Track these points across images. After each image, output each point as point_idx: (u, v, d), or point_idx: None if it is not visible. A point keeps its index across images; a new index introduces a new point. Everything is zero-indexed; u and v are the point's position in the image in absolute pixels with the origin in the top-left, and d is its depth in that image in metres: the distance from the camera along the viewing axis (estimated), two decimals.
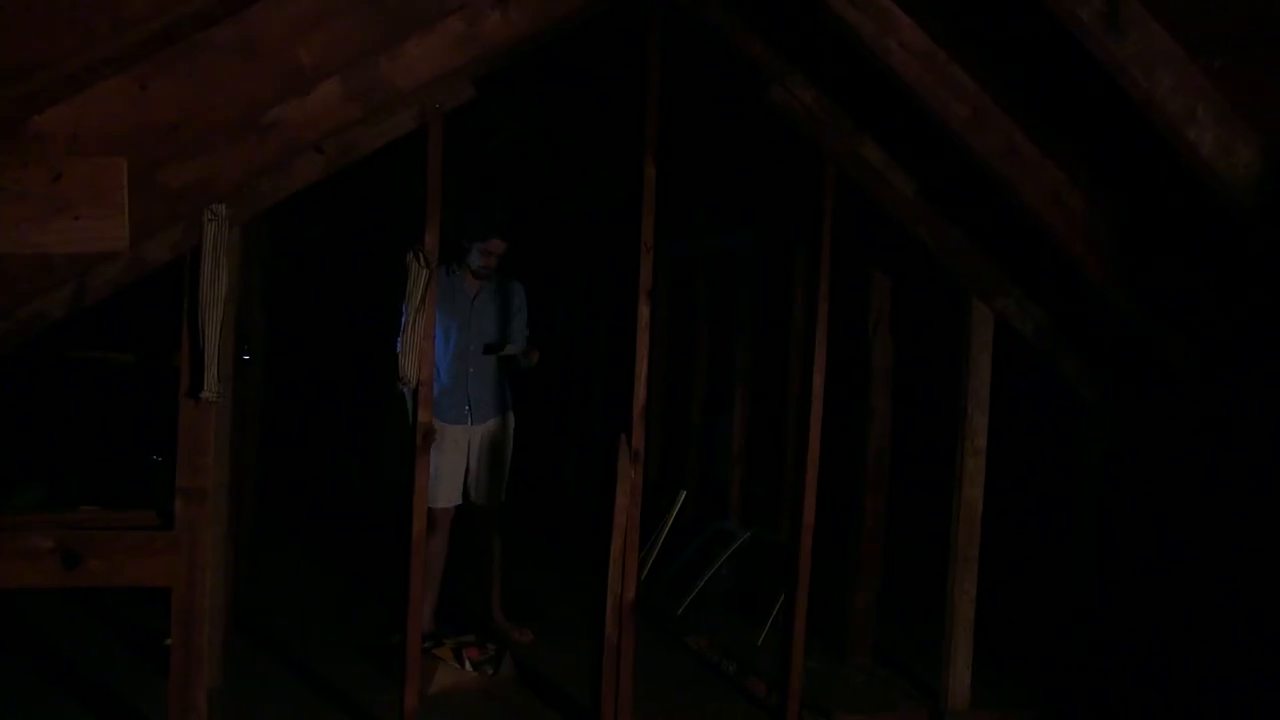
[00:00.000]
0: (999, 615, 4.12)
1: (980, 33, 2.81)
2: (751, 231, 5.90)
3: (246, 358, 4.51)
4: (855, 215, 3.80)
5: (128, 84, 1.95)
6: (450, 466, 4.37)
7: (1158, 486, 3.72)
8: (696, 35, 3.51)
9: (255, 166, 2.58)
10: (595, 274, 7.91)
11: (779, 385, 5.59)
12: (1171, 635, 3.65)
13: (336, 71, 2.41)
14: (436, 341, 3.76)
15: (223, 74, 2.06)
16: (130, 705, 3.67)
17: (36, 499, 4.83)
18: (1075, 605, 3.93)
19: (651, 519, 5.68)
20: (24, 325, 2.94)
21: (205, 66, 2.03)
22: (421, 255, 3.28)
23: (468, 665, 4.03)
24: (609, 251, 6.88)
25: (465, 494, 4.46)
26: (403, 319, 3.33)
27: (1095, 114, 2.82)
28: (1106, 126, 2.84)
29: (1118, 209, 3.03)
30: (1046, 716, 3.90)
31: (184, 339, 2.97)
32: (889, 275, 4.28)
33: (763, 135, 4.48)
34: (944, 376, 3.92)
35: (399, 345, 3.32)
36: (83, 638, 4.32)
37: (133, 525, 3.04)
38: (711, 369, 6.55)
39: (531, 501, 5.94)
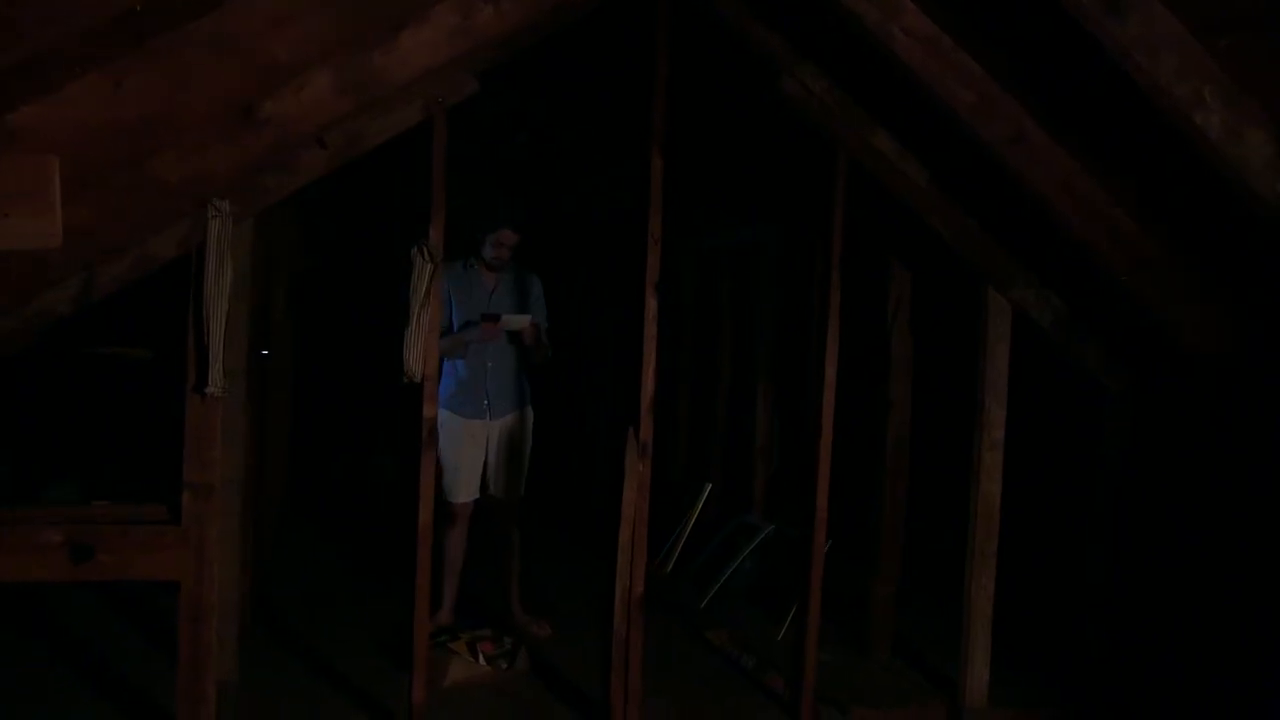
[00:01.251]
0: (1018, 609, 4.05)
1: (985, 18, 2.75)
2: (772, 225, 5.85)
3: (266, 353, 4.55)
4: (873, 206, 3.75)
5: (101, 82, 1.95)
6: (469, 461, 4.39)
7: (1175, 479, 3.64)
8: (707, 27, 3.47)
9: (251, 161, 2.58)
10: (607, 267, 7.86)
11: (801, 378, 5.54)
12: (1191, 630, 3.57)
13: (325, 66, 2.41)
14: None
15: (199, 69, 2.06)
16: (145, 694, 3.71)
17: (68, 495, 4.92)
18: (1092, 599, 3.86)
19: (677, 514, 5.67)
20: (29, 322, 2.96)
21: (181, 62, 2.03)
22: (426, 249, 3.28)
23: (481, 659, 4.04)
24: (620, 245, 6.85)
25: (484, 488, 4.47)
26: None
27: (1104, 100, 2.75)
28: (1116, 113, 2.76)
29: (1131, 197, 2.96)
30: (1065, 715, 3.83)
31: (189, 334, 2.99)
32: (908, 266, 4.23)
33: (781, 127, 4.44)
34: (964, 368, 3.87)
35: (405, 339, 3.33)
36: (97, 628, 4.37)
37: (143, 520, 3.08)
38: (736, 364, 6.51)
39: (547, 492, 5.92)
